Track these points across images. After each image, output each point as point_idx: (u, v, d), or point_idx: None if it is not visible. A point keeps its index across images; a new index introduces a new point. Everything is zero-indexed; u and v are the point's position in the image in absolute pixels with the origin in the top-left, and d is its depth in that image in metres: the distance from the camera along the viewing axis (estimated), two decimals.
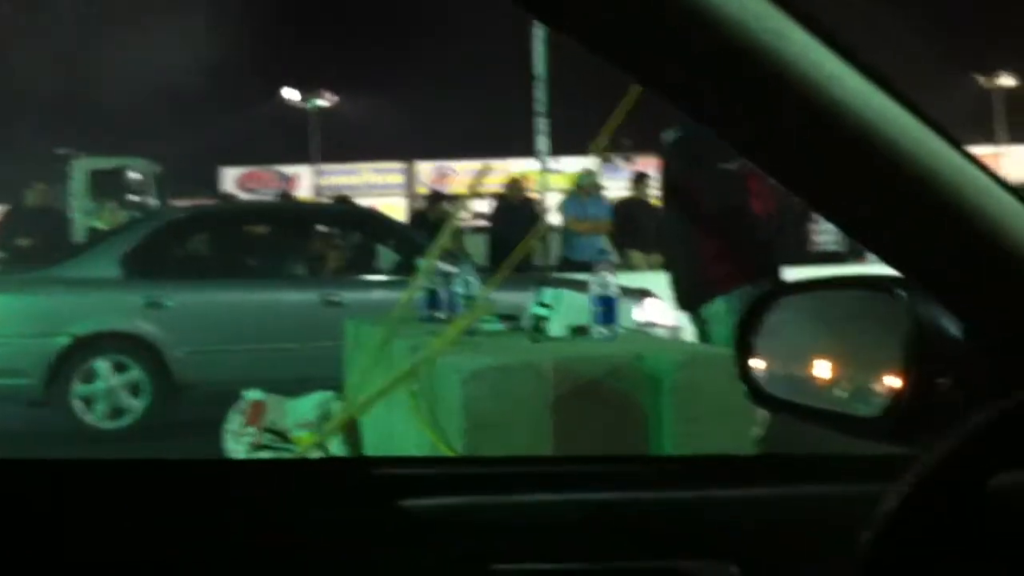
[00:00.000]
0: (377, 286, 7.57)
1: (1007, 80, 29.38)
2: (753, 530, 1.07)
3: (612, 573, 1.03)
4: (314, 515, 1.03)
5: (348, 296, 7.34)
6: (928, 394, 0.97)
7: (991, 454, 0.77)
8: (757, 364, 1.23)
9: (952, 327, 0.93)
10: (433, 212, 12.79)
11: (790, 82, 0.73)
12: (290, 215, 9.25)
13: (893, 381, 1.05)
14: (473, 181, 4.42)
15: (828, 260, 10.87)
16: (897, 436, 1.01)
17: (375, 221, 8.72)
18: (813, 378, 1.19)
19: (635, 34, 0.73)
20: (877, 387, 1.08)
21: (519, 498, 1.07)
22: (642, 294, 6.71)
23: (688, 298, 4.38)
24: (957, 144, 0.80)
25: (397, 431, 3.66)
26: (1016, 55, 28.62)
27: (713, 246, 4.18)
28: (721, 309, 4.14)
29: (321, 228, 8.64)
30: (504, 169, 14.77)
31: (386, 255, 8.34)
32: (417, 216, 13.42)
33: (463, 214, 13.53)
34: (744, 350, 1.24)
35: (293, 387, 5.28)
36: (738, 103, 0.76)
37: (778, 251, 4.26)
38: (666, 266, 4.69)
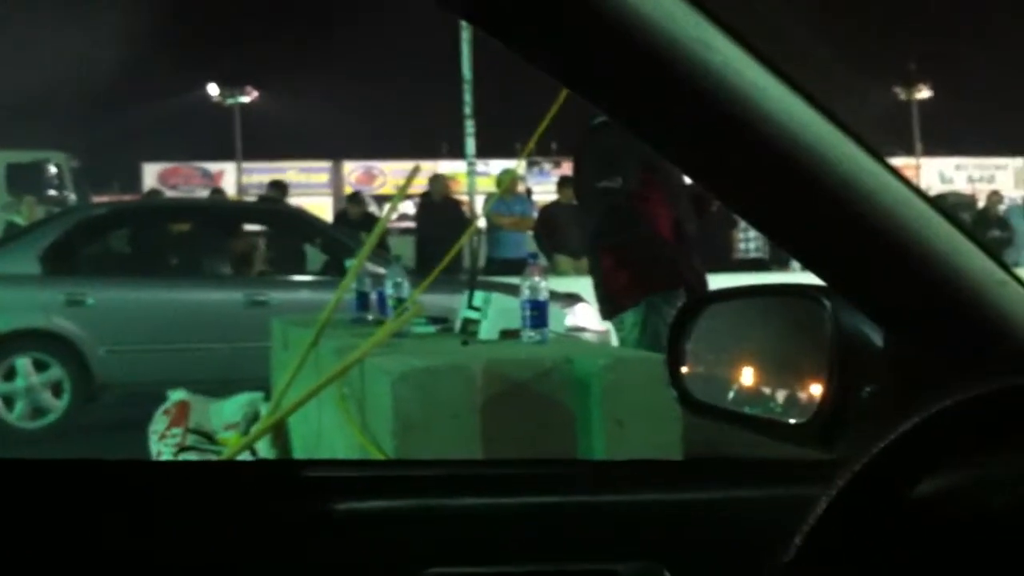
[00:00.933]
0: (303, 286, 7.52)
1: (925, 92, 30.11)
2: (682, 533, 1.08)
3: (544, 575, 1.04)
4: (243, 518, 1.02)
5: (273, 296, 7.28)
6: (851, 400, 1.00)
7: (914, 461, 0.80)
8: (687, 370, 1.26)
9: (874, 335, 0.96)
10: (354, 212, 12.74)
11: (714, 90, 0.75)
12: (214, 213, 9.14)
13: (818, 388, 1.08)
14: (404, 181, 4.40)
15: (752, 267, 11.05)
16: (821, 441, 1.03)
17: (301, 220, 8.66)
18: (741, 384, 1.22)
19: (562, 37, 0.73)
20: (803, 393, 1.11)
21: (450, 501, 1.06)
22: (571, 299, 6.76)
23: (603, 307, 4.46)
24: (876, 154, 0.83)
25: (326, 433, 3.65)
26: (935, 67, 29.38)
27: (610, 260, 4.24)
28: (628, 320, 4.21)
29: (246, 227, 8.56)
30: (433, 170, 14.76)
31: (312, 255, 8.29)
32: (339, 216, 13.32)
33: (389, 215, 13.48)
34: (674, 356, 1.26)
35: (217, 388, 5.23)
36: (661, 107, 0.77)
37: (685, 260, 4.30)
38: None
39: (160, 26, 26.21)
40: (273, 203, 11.75)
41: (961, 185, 25.96)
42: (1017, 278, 0.87)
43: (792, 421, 1.09)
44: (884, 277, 0.86)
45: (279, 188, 13.01)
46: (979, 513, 0.81)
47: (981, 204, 14.89)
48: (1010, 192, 22.83)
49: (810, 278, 1.17)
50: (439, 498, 1.06)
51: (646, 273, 4.20)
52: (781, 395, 1.15)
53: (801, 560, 0.79)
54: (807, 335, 1.13)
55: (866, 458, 0.80)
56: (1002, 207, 14.64)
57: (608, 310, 4.34)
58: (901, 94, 30.10)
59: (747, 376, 1.21)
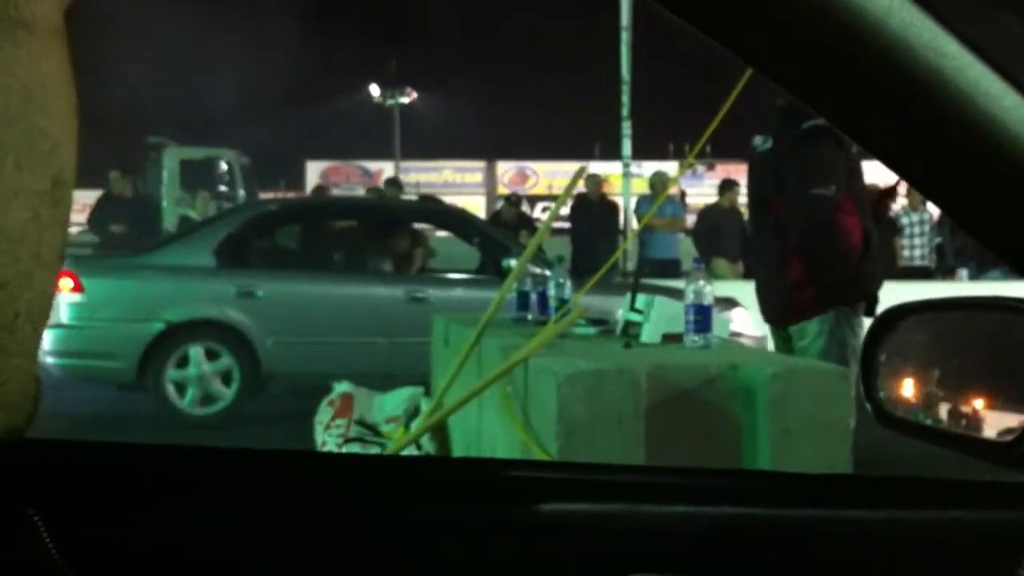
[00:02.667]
0: (461, 284, 7.64)
1: None
2: (873, 554, 1.03)
3: None
4: (414, 514, 1.01)
5: (432, 293, 7.42)
6: None
7: None
8: (881, 383, 1.23)
9: None
10: (508, 213, 12.88)
11: (917, 76, 0.73)
12: (378, 211, 9.35)
13: (1021, 406, 1.04)
14: (570, 182, 4.39)
15: (916, 276, 10.69)
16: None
17: (461, 220, 8.80)
18: (939, 399, 1.18)
19: (756, 19, 0.73)
20: (1007, 411, 1.08)
21: (621, 507, 1.03)
22: (728, 303, 6.67)
23: (776, 314, 4.35)
24: None
25: (487, 431, 3.69)
26: None
27: (801, 271, 4.13)
28: (812, 329, 4.11)
29: (408, 225, 8.73)
30: (585, 171, 14.78)
31: (471, 254, 8.41)
32: (494, 216, 13.51)
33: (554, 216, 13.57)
34: (868, 368, 1.23)
35: (378, 381, 5.35)
36: (862, 94, 0.76)
37: (871, 273, 4.20)
38: (754, 277, 4.65)
39: (327, 28, 26.99)
40: (435, 203, 12.00)
41: None
42: None
43: (996, 440, 1.06)
44: None
45: (395, 185, 13.59)
46: None
47: None
48: None
49: (981, 289, 1.13)
50: (611, 503, 1.04)
51: (839, 284, 4.10)
52: (982, 413, 1.12)
53: None
54: (1009, 349, 1.09)
55: None
56: None
57: (787, 318, 4.23)
58: None
59: (945, 392, 1.18)
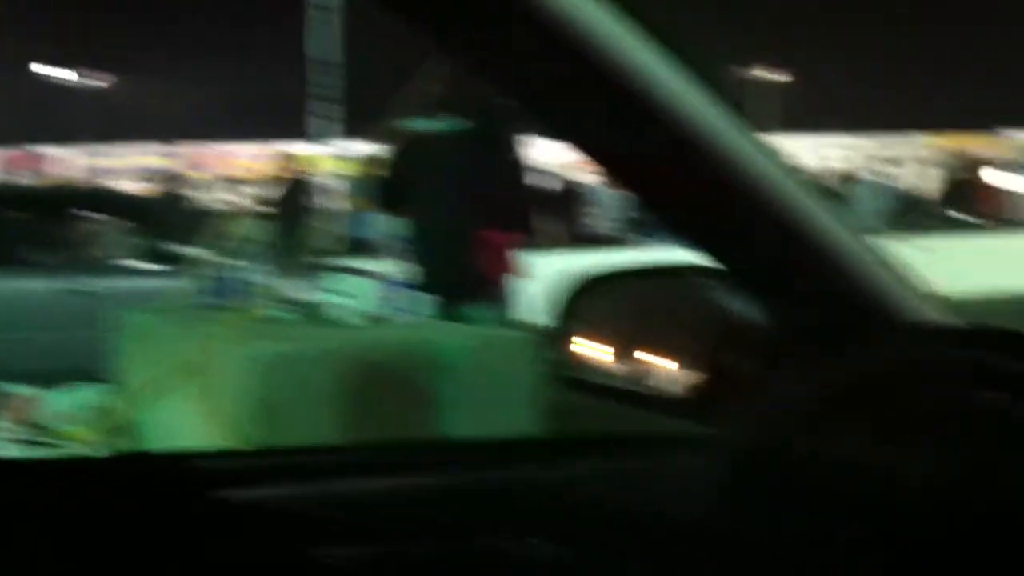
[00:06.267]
0: (132, 273, 7.23)
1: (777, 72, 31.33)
2: (567, 509, 1.08)
3: (425, 557, 1.03)
4: (121, 514, 0.99)
5: (99, 284, 6.98)
6: (734, 375, 1.04)
7: (802, 428, 0.83)
8: (567, 348, 1.28)
9: (756, 312, 0.98)
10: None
11: (613, 71, 0.77)
12: (35, 198, 8.64)
13: (699, 363, 1.12)
14: (270, 164, 4.28)
15: (608, 244, 11.27)
16: (704, 415, 1.06)
17: (129, 205, 8.35)
18: (624, 361, 1.24)
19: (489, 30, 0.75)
20: (684, 369, 1.15)
21: (317, 486, 1.05)
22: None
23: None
24: (755, 132, 0.85)
25: (181, 422, 3.56)
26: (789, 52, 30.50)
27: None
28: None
29: (71, 212, 8.04)
30: (278, 152, 14.50)
31: (142, 242, 7.89)
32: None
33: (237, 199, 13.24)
34: (558, 336, 1.28)
35: (38, 379, 5.02)
36: (550, 83, 0.79)
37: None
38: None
39: None
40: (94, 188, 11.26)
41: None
42: (886, 256, 0.91)
43: (676, 396, 1.11)
44: (764, 253, 0.89)
45: None
46: (854, 474, 0.85)
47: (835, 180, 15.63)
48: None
49: (667, 257, 1.20)
50: (308, 483, 1.05)
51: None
52: (664, 371, 1.17)
53: (703, 526, 0.81)
54: (690, 312, 1.16)
55: (757, 426, 0.84)
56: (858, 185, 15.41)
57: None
58: (754, 73, 31.17)
59: (630, 354, 1.23)
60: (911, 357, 0.87)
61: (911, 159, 20.39)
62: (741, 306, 1.02)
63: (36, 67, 29.51)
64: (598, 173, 1.06)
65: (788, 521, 0.83)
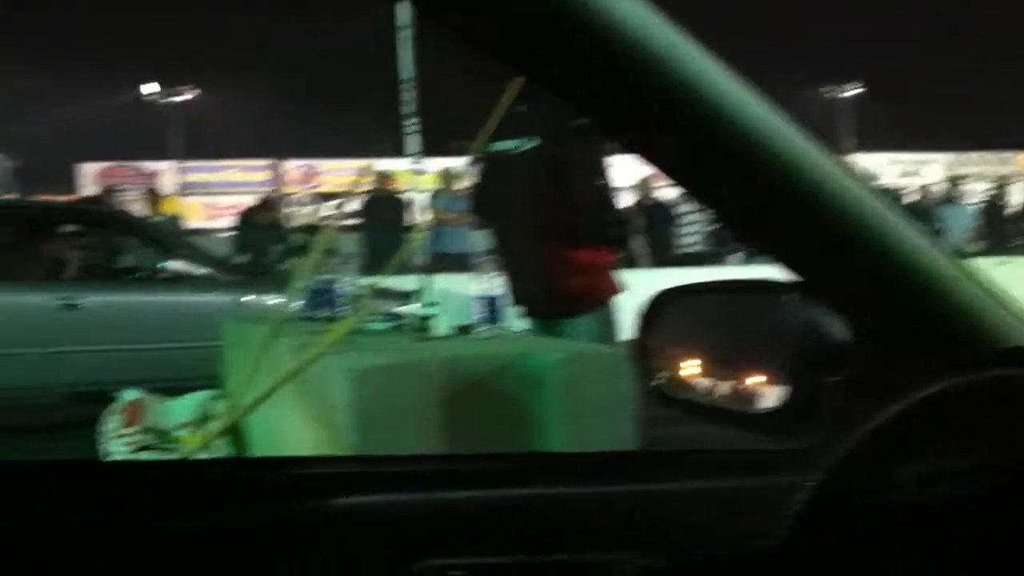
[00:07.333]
0: (120, 288, 7.26)
1: (856, 90, 30.76)
2: (657, 524, 1.08)
3: (522, 568, 1.04)
4: (212, 516, 1.02)
5: (88, 299, 6.98)
6: (818, 392, 1.04)
7: (893, 447, 0.83)
8: (653, 364, 1.29)
9: (839, 328, 0.99)
10: (262, 216, 12.52)
11: (686, 94, 0.79)
12: (25, 215, 8.48)
13: (784, 379, 1.12)
14: (355, 180, 4.35)
15: (692, 263, 11.16)
16: (788, 432, 1.08)
17: (119, 221, 8.42)
18: (708, 378, 1.25)
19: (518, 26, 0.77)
20: (769, 385, 1.15)
21: (418, 496, 1.06)
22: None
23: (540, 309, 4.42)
24: (829, 151, 0.86)
25: (282, 431, 3.64)
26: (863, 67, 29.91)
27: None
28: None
29: (61, 228, 8.10)
30: (372, 169, 14.68)
31: (133, 256, 7.99)
32: (244, 216, 12.91)
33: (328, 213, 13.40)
34: (642, 351, 1.29)
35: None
36: (632, 107, 0.81)
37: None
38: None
39: (97, 26, 25.75)
40: (96, 204, 11.37)
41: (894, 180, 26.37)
42: (967, 274, 0.91)
43: (760, 413, 1.13)
44: (844, 270, 0.90)
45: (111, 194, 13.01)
46: (954, 497, 0.84)
47: (915, 198, 15.18)
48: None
49: (752, 274, 1.20)
50: (408, 493, 1.06)
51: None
52: (747, 387, 1.17)
53: (789, 546, 0.82)
54: (772, 328, 1.17)
55: (848, 445, 0.83)
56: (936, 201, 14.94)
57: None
58: (830, 92, 30.71)
59: (714, 369, 1.24)
60: (1001, 378, 0.85)
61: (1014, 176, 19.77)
62: (825, 323, 1.02)
63: (145, 88, 30.35)
64: (682, 191, 1.07)
65: (867, 539, 0.83)
